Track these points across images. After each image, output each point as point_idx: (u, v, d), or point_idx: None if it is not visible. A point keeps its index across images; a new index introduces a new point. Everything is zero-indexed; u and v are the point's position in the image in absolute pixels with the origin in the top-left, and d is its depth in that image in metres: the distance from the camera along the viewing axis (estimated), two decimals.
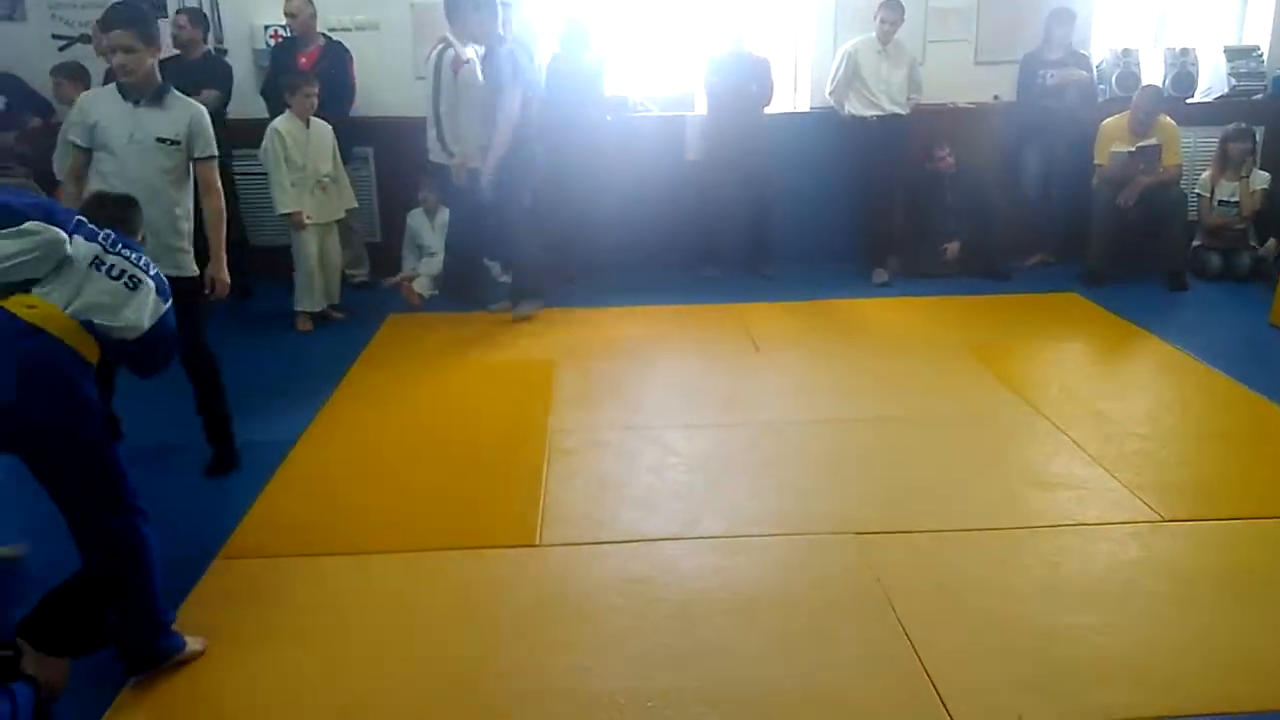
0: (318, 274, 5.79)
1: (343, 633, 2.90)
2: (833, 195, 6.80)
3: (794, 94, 7.07)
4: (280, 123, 5.61)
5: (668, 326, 5.69)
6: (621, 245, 6.59)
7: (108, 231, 2.66)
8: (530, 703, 2.58)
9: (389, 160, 6.59)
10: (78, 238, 2.58)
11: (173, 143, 3.67)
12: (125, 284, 2.58)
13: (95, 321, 2.51)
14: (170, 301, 2.67)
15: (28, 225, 2.52)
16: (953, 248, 6.58)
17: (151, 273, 2.63)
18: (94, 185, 3.62)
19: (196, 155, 3.75)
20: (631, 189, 6.46)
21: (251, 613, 2.97)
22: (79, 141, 3.69)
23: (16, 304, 2.50)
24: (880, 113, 6.45)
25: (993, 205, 6.63)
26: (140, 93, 3.65)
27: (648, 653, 2.77)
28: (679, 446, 4.07)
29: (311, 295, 5.77)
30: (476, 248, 6.35)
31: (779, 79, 6.64)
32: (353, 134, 6.31)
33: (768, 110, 6.55)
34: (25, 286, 2.56)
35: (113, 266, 2.58)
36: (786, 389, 4.71)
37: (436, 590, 3.11)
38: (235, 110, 6.05)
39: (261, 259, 6.20)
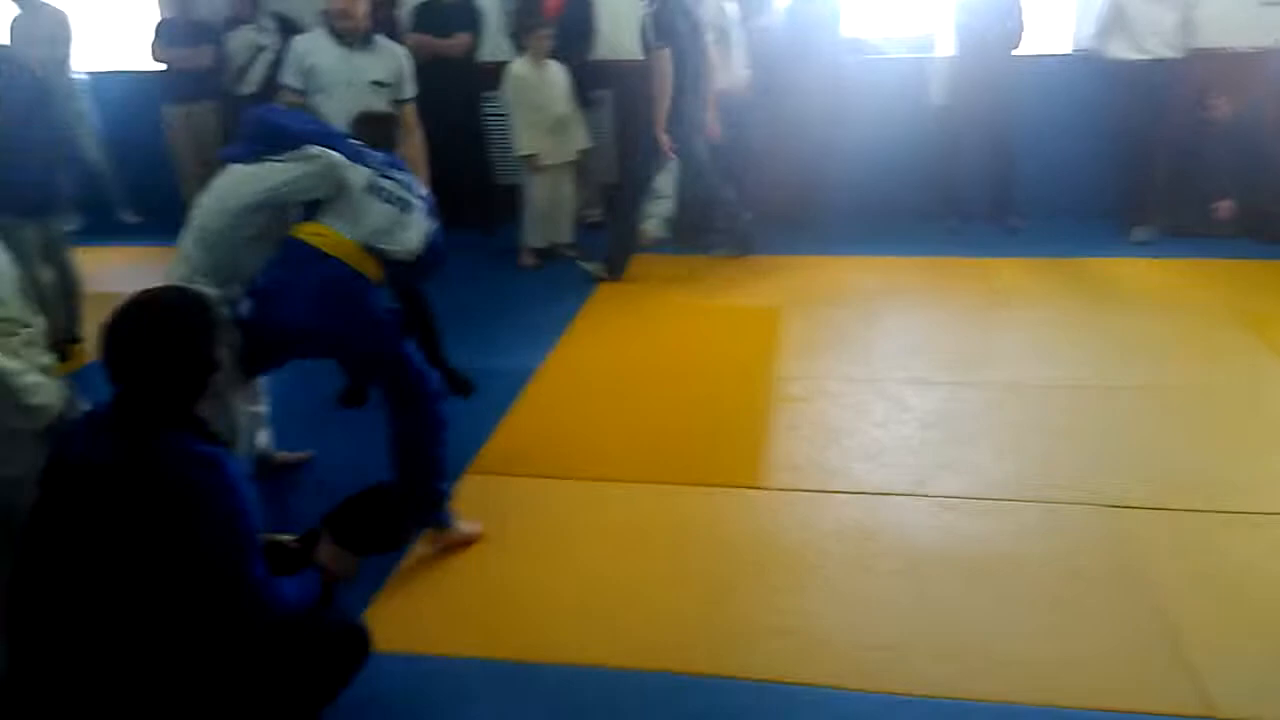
0: (544, 212, 5.95)
1: (580, 550, 3.04)
2: (1089, 145, 6.31)
3: (1052, 34, 6.58)
4: (517, 65, 5.77)
5: (903, 278, 5.50)
6: (857, 192, 6.42)
7: (377, 153, 2.83)
8: (762, 635, 2.62)
9: (627, 103, 6.66)
10: (354, 163, 2.76)
11: (385, 85, 3.82)
12: (398, 207, 2.74)
13: (376, 245, 2.70)
14: (438, 221, 2.82)
15: (308, 149, 2.72)
16: (1225, 206, 5.97)
17: (419, 193, 2.78)
18: None
19: (402, 97, 3.90)
20: (869, 134, 6.26)
21: (496, 524, 3.15)
22: (295, 84, 3.86)
23: (307, 233, 2.72)
24: (1148, 56, 5.91)
25: (1273, 161, 5.96)
26: (354, 37, 3.80)
27: (873, 605, 2.74)
28: (911, 402, 3.95)
29: (535, 232, 5.95)
30: (709, 192, 6.35)
31: (1037, 17, 6.20)
32: (592, 77, 6.41)
33: (1019, 51, 6.14)
34: (309, 214, 2.78)
35: (386, 190, 2.75)
36: (1031, 349, 4.46)
37: (665, 521, 3.18)
38: (485, 53, 6.26)
39: (507, 198, 6.44)
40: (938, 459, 3.50)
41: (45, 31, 6.30)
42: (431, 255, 2.89)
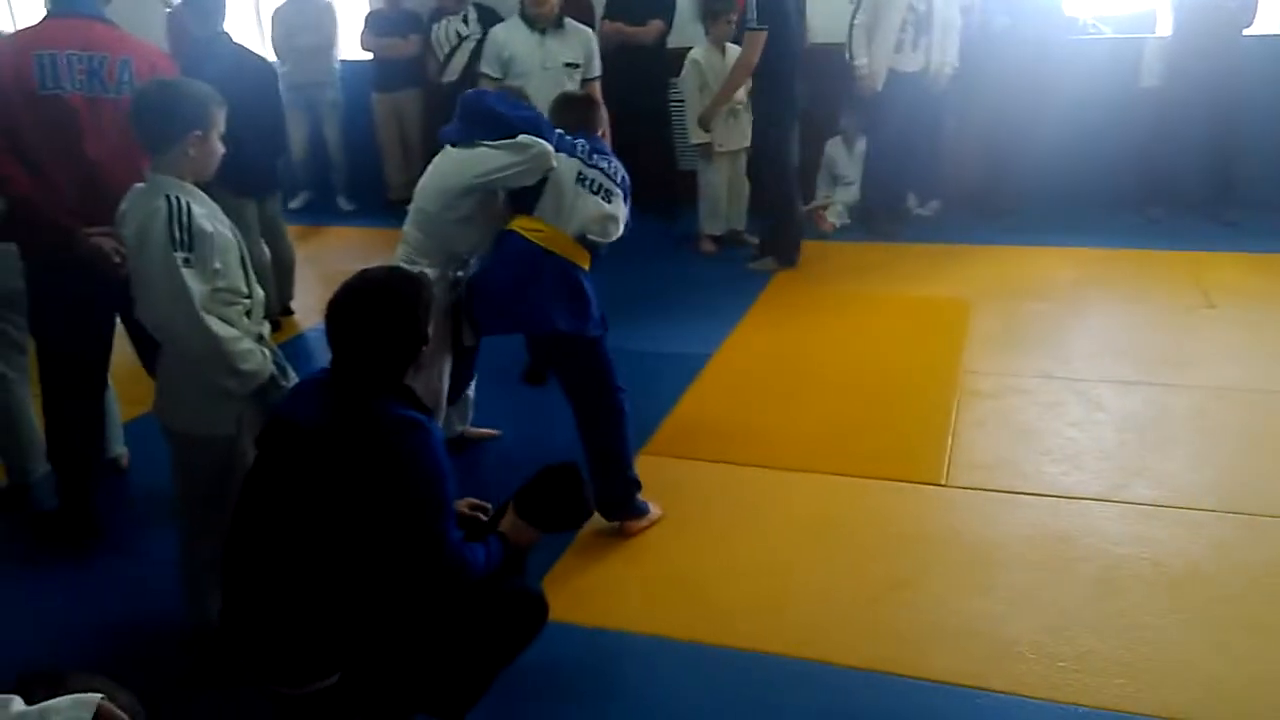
0: (722, 199, 5.94)
1: (754, 536, 3.05)
2: None
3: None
4: (697, 52, 5.76)
5: (1104, 271, 5.21)
6: (1058, 179, 6.12)
7: (581, 141, 2.90)
8: (943, 638, 2.56)
9: (811, 88, 6.56)
10: (561, 153, 2.85)
11: (576, 66, 3.94)
12: (603, 197, 2.82)
13: (587, 237, 2.80)
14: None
15: (521, 139, 2.82)
16: None
17: (619, 179, 2.84)
18: None
19: (589, 75, 4.00)
20: (1075, 117, 5.95)
21: (668, 505, 3.20)
22: (493, 73, 4.02)
23: (524, 227, 2.84)
24: None
25: None
26: (546, 22, 3.92)
27: (1062, 612, 2.63)
28: (1108, 403, 3.75)
29: (715, 219, 5.95)
30: (896, 179, 6.21)
31: None
32: None
33: (1248, 31, 5.67)
34: (517, 201, 2.89)
35: (593, 180, 2.83)
36: (1243, 353, 4.14)
37: (841, 513, 3.15)
38: (674, 40, 6.30)
39: (689, 184, 6.47)
40: (1135, 464, 3.31)
41: (310, 20, 6.75)
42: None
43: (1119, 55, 6.02)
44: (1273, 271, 5.06)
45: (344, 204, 7.35)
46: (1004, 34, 5.89)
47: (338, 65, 7.07)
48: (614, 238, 2.88)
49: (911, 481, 3.30)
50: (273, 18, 6.88)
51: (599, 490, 2.93)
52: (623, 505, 3.06)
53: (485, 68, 4.17)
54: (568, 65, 4.02)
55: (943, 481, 3.30)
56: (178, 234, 2.22)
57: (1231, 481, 3.19)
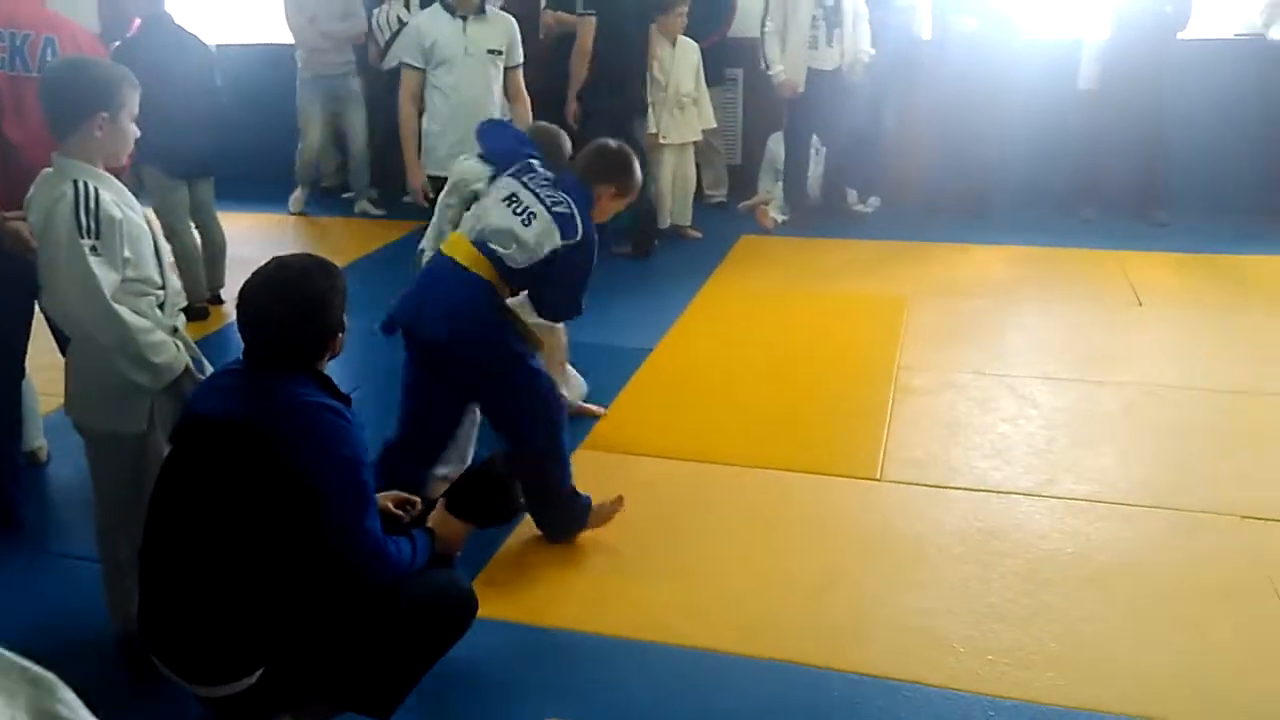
0: (668, 195, 5.93)
1: (691, 532, 3.05)
2: (1245, 136, 5.95)
3: (1213, 17, 6.21)
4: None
5: (1037, 269, 5.31)
6: (996, 178, 6.22)
7: (541, 174, 2.80)
8: (877, 633, 2.58)
9: (758, 83, 6.60)
10: (506, 176, 2.82)
11: (499, 53, 3.95)
12: (522, 220, 2.70)
13: (487, 245, 2.69)
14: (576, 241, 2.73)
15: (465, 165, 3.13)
16: None
17: (554, 210, 2.68)
18: (432, 101, 3.95)
19: (511, 64, 4.02)
20: (1010, 119, 6.05)
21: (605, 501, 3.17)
22: (415, 63, 3.96)
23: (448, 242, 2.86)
24: None
25: None
26: (469, 8, 3.90)
27: (991, 606, 2.66)
28: (1040, 399, 3.81)
29: (659, 214, 5.92)
30: (838, 174, 6.27)
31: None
32: (725, 55, 6.37)
33: (1182, 35, 5.81)
34: None
35: (519, 204, 2.69)
36: (1171, 351, 4.25)
37: (777, 508, 3.16)
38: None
39: None
40: (1065, 460, 3.37)
41: (338, 7, 6.35)
42: (560, 275, 2.74)
43: (1058, 57, 6.13)
44: (1199, 271, 5.20)
45: (368, 206, 6.76)
46: (964, 36, 5.95)
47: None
48: (519, 262, 2.72)
49: (847, 476, 3.33)
50: (291, 2, 6.39)
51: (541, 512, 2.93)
52: (575, 525, 2.99)
53: (406, 57, 4.07)
54: (491, 52, 3.98)
55: (877, 476, 3.32)
56: (84, 220, 2.14)
57: (1160, 477, 3.27)
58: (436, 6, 4.05)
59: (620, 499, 3.02)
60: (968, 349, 4.30)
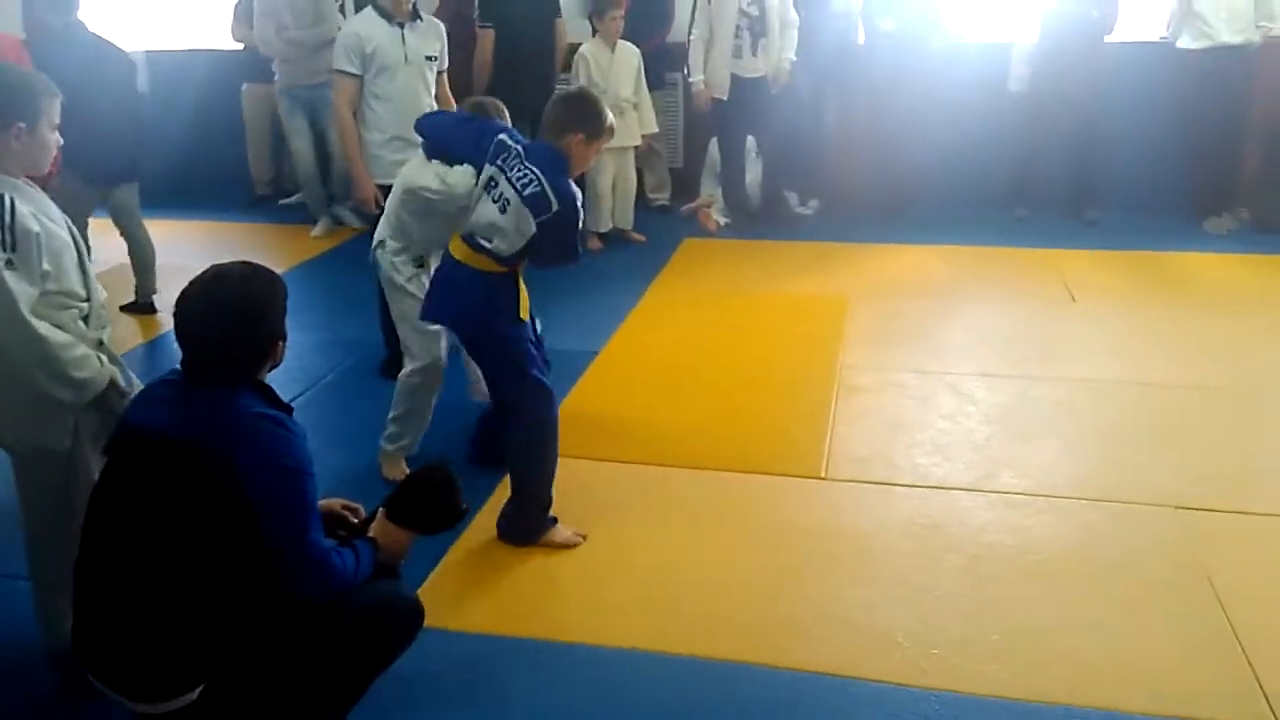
0: (607, 197, 5.94)
1: (638, 535, 3.05)
2: (1168, 136, 6.11)
3: (1138, 21, 6.38)
4: (586, 47, 5.76)
5: (975, 268, 5.40)
6: (932, 179, 6.32)
7: (514, 146, 2.83)
8: (823, 629, 2.61)
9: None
10: (486, 164, 2.84)
11: (434, 59, 3.99)
12: (499, 207, 2.75)
13: (475, 238, 2.83)
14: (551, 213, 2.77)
15: (449, 178, 3.04)
16: None
17: (525, 192, 2.72)
18: (373, 109, 3.89)
19: (442, 69, 4.07)
20: (943, 120, 6.16)
21: (556, 504, 3.16)
22: (352, 70, 3.88)
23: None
24: (1215, 44, 5.65)
25: None
26: (404, 15, 3.91)
27: (935, 600, 2.70)
28: (978, 396, 3.88)
29: (596, 216, 5.92)
30: (776, 177, 6.32)
31: (1126, 3, 6.01)
32: (665, 59, 6.39)
33: (1109, 39, 5.95)
34: None
35: (498, 191, 2.78)
36: (1104, 345, 4.35)
37: (724, 509, 3.18)
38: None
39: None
40: (1003, 455, 3.43)
41: (307, 13, 5.96)
42: (547, 242, 2.82)
43: (989, 60, 6.25)
44: (1130, 268, 5.34)
45: (349, 217, 6.41)
46: (886, 37, 6.04)
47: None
48: (504, 250, 2.80)
49: (793, 475, 3.35)
50: (258, 10, 6.05)
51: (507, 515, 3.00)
52: (531, 533, 3.01)
53: (343, 64, 3.96)
54: (429, 59, 3.96)
55: (822, 475, 3.36)
56: None
57: (1097, 471, 3.34)
58: (369, 11, 3.99)
59: (583, 536, 3.04)
60: (908, 348, 4.36)
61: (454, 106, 4.16)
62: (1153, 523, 3.03)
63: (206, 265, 1.98)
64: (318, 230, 6.36)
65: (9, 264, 2.07)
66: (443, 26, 4.10)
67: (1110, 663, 2.46)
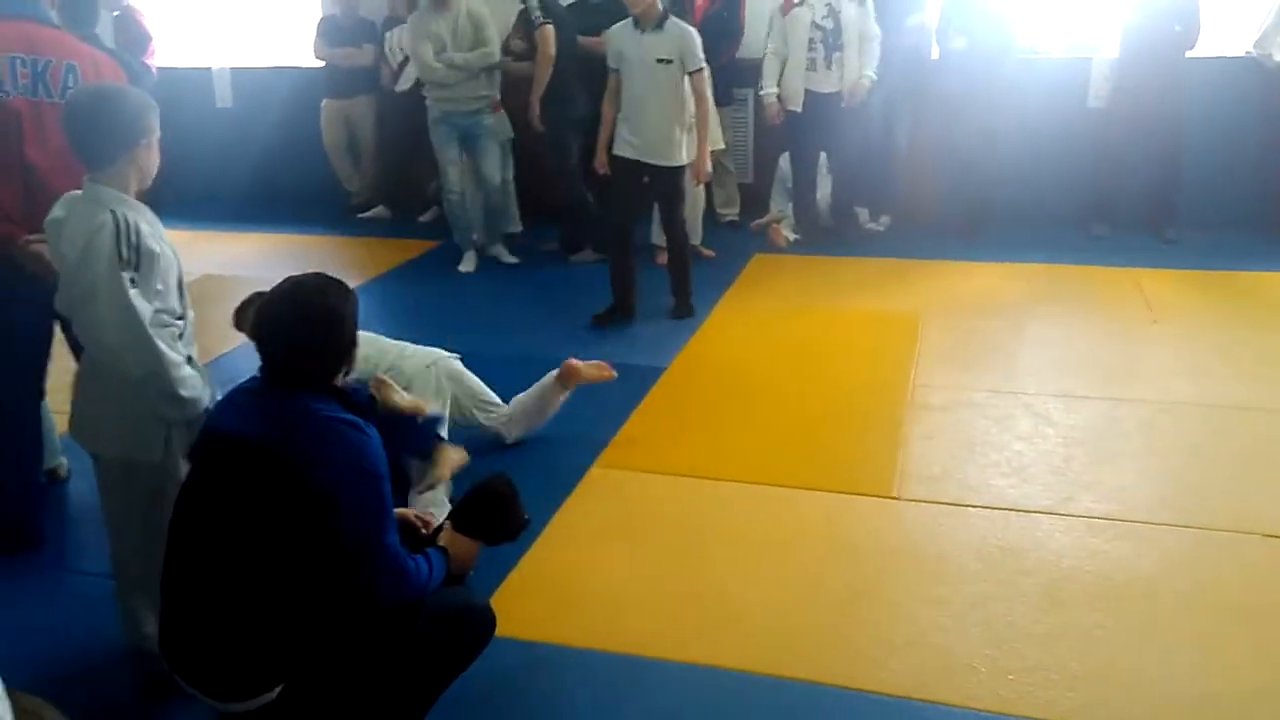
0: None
1: (706, 550, 3.04)
2: (1255, 154, 5.94)
3: (1224, 35, 6.21)
4: None
5: (1050, 286, 5.29)
6: (1007, 196, 6.22)
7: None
8: (895, 651, 2.57)
9: None
10: None
11: (668, 61, 4.53)
12: None
13: None
14: None
15: None
16: None
17: None
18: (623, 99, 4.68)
19: (688, 70, 4.59)
20: (1019, 136, 6.06)
21: (621, 519, 3.19)
22: (612, 65, 4.66)
23: None
24: None
25: None
26: (647, 22, 4.53)
27: (1011, 625, 2.64)
28: (1056, 417, 3.80)
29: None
30: (847, 193, 6.27)
31: (1213, 17, 5.86)
32: (735, 75, 6.39)
33: (1191, 54, 5.81)
34: None
35: None
36: (1187, 367, 4.23)
37: (794, 526, 3.15)
38: None
39: None
40: (1083, 478, 3.35)
41: (467, 33, 5.62)
42: None
43: (1067, 75, 6.15)
44: (1213, 288, 5.18)
45: (503, 253, 6.12)
46: (959, 54, 5.97)
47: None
48: None
49: (862, 494, 3.32)
50: (411, 33, 5.80)
51: None
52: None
53: (610, 61, 4.76)
54: (660, 61, 4.64)
55: (893, 494, 3.31)
56: (125, 252, 2.13)
57: (1179, 495, 3.25)
58: (630, 20, 4.65)
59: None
60: (983, 366, 4.29)
61: (704, 101, 4.76)
62: (1237, 550, 2.94)
63: (283, 277, 2.05)
64: (465, 265, 5.99)
65: (133, 282, 2.15)
66: (688, 31, 4.65)
67: (1189, 696, 2.38)
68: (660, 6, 4.57)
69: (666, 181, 4.81)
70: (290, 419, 1.91)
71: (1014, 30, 6.07)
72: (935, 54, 6.24)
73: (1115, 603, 2.72)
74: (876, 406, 3.95)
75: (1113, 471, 3.39)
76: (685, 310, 5.04)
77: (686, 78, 4.65)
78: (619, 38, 4.71)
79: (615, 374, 3.82)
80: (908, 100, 6.19)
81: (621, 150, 4.79)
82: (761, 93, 5.90)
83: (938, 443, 3.64)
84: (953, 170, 6.25)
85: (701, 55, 4.65)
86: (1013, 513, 3.16)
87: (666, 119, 4.65)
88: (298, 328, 1.96)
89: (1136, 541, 3.00)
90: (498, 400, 3.63)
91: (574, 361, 3.71)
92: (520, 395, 3.69)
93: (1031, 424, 3.75)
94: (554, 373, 3.70)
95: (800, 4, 5.69)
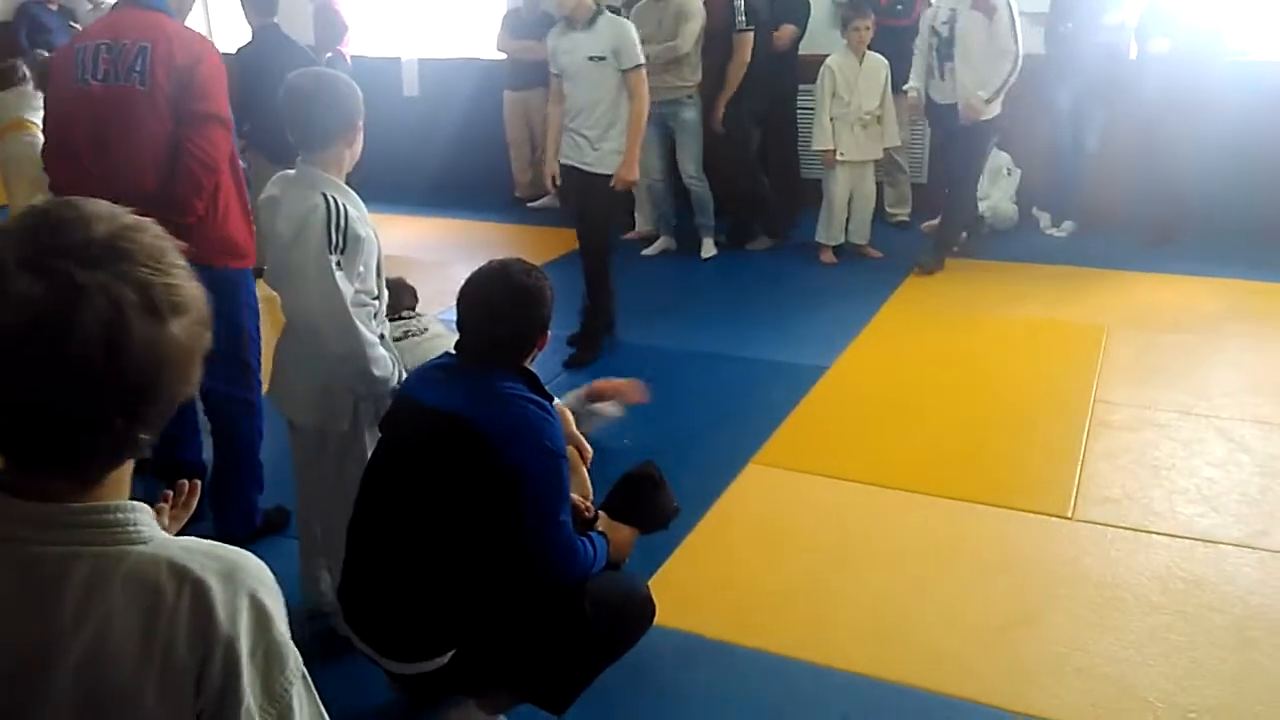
0: (842, 208, 5.80)
1: (867, 556, 2.98)
2: None
3: None
4: (833, 58, 5.66)
5: (1250, 304, 4.93)
6: (1199, 206, 5.82)
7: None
8: (1068, 678, 2.46)
9: None
10: None
11: (600, 58, 4.19)
12: None
13: None
14: None
15: None
16: None
17: None
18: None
19: (623, 66, 4.21)
20: (1221, 142, 5.64)
21: (777, 518, 3.16)
22: (553, 70, 4.41)
23: None
24: None
25: None
26: (579, 20, 4.23)
27: (1192, 660, 2.49)
28: (1253, 443, 3.54)
29: (829, 229, 5.81)
30: (950, 220, 5.95)
31: None
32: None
33: None
34: None
35: None
36: None
37: (960, 540, 3.05)
38: (808, 46, 6.21)
39: (812, 191, 6.37)
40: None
41: (668, 22, 5.65)
42: None
43: (1273, 80, 5.69)
44: None
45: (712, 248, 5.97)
46: (1160, 57, 5.62)
47: None
48: None
49: (1035, 512, 3.18)
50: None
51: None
52: None
53: (551, 68, 4.50)
54: (590, 59, 4.28)
55: (1069, 514, 3.16)
56: (334, 236, 2.22)
57: None
58: (564, 20, 4.36)
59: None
60: (1172, 385, 4.03)
61: (640, 101, 4.31)
62: None
63: (458, 262, 2.13)
64: (653, 249, 6.06)
65: (338, 265, 2.24)
66: (623, 26, 4.33)
67: None
68: (592, 3, 4.21)
69: (590, 188, 4.31)
70: (485, 396, 1.99)
71: (1222, 32, 5.67)
72: (1134, 53, 5.89)
73: None
74: (1053, 421, 3.78)
75: None
76: (588, 353, 4.38)
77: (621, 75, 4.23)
78: (553, 39, 4.37)
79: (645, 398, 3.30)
80: (1100, 101, 5.87)
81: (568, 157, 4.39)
82: (905, 86, 5.69)
83: (1119, 463, 3.45)
84: (1145, 176, 5.89)
85: (639, 51, 4.24)
86: (1200, 543, 2.97)
87: (601, 121, 4.24)
88: (503, 305, 2.05)
89: None
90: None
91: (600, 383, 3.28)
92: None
93: (1225, 450, 3.50)
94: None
95: (930, 4, 5.50)
